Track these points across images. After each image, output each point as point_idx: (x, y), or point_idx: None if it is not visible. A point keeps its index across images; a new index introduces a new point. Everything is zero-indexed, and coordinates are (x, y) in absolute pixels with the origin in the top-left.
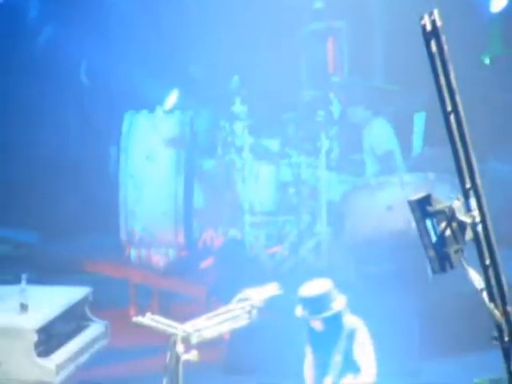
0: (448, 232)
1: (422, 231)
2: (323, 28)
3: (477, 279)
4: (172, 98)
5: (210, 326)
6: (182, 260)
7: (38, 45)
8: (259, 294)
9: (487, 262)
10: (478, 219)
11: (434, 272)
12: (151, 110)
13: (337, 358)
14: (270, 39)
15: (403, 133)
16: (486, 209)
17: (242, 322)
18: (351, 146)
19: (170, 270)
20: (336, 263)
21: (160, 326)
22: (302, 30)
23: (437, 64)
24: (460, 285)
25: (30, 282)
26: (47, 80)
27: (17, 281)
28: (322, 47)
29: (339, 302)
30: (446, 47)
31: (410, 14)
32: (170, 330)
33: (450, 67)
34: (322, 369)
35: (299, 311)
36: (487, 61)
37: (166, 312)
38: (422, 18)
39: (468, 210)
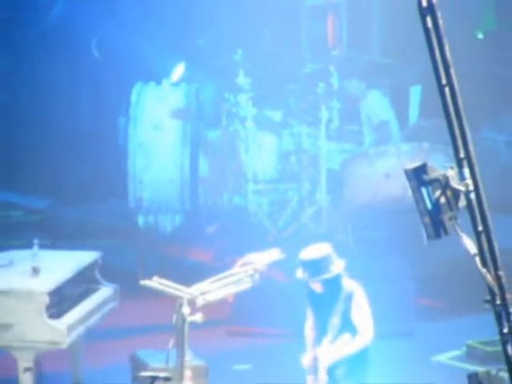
0: (442, 199)
1: (418, 199)
2: (323, 3)
3: (470, 245)
4: (179, 71)
5: (214, 289)
6: (188, 226)
7: (50, 20)
8: (262, 259)
9: (480, 228)
10: (471, 187)
11: (428, 238)
12: (159, 82)
13: (335, 320)
14: (273, 14)
15: (400, 105)
16: (478, 177)
17: (246, 285)
18: (350, 116)
19: (177, 236)
20: (335, 228)
21: (167, 289)
22: (302, 5)
23: (432, 39)
24: (454, 250)
25: (41, 246)
26: (60, 54)
27: (29, 246)
28: (322, 22)
29: (338, 266)
30: (441, 22)
31: None
32: (177, 293)
33: (445, 42)
34: (321, 329)
35: (300, 274)
36: (481, 36)
37: (172, 277)
38: None
39: (462, 178)
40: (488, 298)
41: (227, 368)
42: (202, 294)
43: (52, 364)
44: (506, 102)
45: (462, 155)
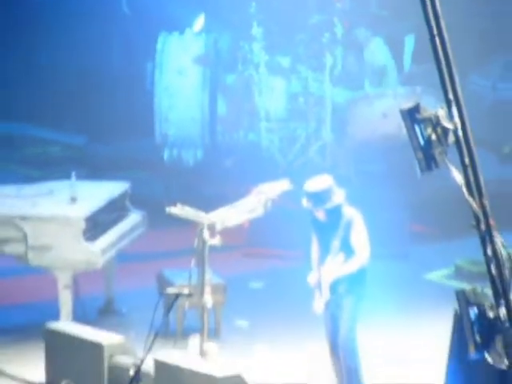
0: (433, 136)
1: (412, 135)
2: None
3: (458, 176)
4: (199, 22)
5: (231, 215)
6: (208, 159)
7: None
8: (273, 189)
9: (467, 161)
10: (458, 125)
11: (421, 171)
12: (182, 32)
13: (336, 243)
14: None
15: (396, 52)
16: (465, 117)
17: (259, 212)
18: (353, 62)
19: (198, 168)
20: (338, 162)
21: (189, 216)
22: None
23: None
24: (444, 182)
25: (78, 178)
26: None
27: (67, 177)
28: None
29: (339, 196)
30: None
31: None
32: (198, 219)
33: None
34: (324, 252)
35: (305, 203)
36: None
37: (194, 205)
38: None
39: (450, 117)
40: (473, 223)
41: (243, 286)
42: (221, 219)
43: (88, 284)
44: (490, 51)
45: (451, 97)
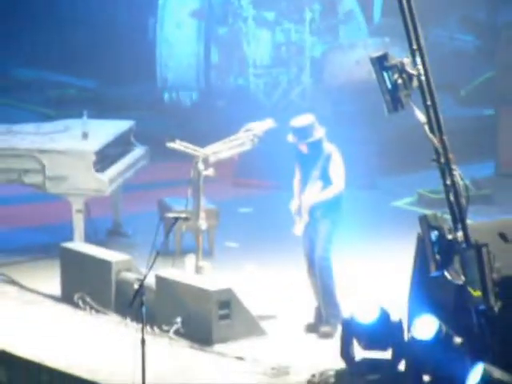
0: (400, 81)
1: (380, 80)
2: None
3: (420, 116)
4: None
5: (223, 149)
6: (203, 101)
7: None
8: (260, 127)
9: (428, 103)
10: (421, 71)
11: (389, 111)
12: None
13: (316, 173)
14: None
15: (366, 6)
16: (427, 64)
17: (247, 147)
18: (329, 16)
19: (194, 108)
20: (316, 104)
21: (186, 150)
22: None
23: None
24: (408, 120)
25: (89, 117)
26: None
27: (79, 116)
28: None
29: (320, 132)
30: None
31: None
32: (194, 153)
33: None
34: (305, 181)
35: (291, 138)
36: None
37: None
38: None
39: (414, 64)
40: (434, 157)
41: (233, 211)
42: (214, 153)
43: (98, 209)
44: (448, 6)
45: (414, 47)
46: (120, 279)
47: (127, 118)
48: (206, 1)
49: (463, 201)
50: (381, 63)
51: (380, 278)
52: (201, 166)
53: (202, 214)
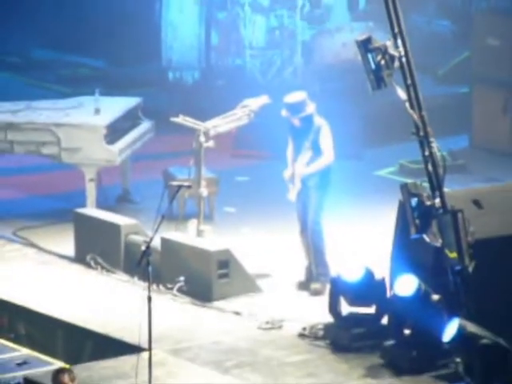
0: (382, 62)
1: (365, 61)
2: None
3: (401, 93)
4: None
5: (222, 123)
6: (204, 79)
7: None
8: (255, 103)
9: (409, 82)
10: (402, 53)
11: (373, 89)
12: None
13: (307, 144)
14: None
15: None
16: (408, 46)
17: (244, 121)
18: (317, 2)
19: (196, 86)
20: (307, 82)
21: (189, 124)
22: None
23: None
24: (390, 97)
25: (101, 94)
26: None
27: (92, 93)
28: None
29: (311, 107)
30: None
31: None
32: (196, 126)
33: None
34: (297, 152)
35: (284, 112)
36: None
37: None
38: None
39: (396, 47)
40: (414, 130)
41: (231, 179)
42: (214, 127)
43: (108, 178)
44: None
45: (396, 31)
46: (128, 241)
47: (135, 95)
48: None
49: (440, 170)
50: (365, 45)
51: (365, 241)
52: (202, 138)
53: (203, 182)
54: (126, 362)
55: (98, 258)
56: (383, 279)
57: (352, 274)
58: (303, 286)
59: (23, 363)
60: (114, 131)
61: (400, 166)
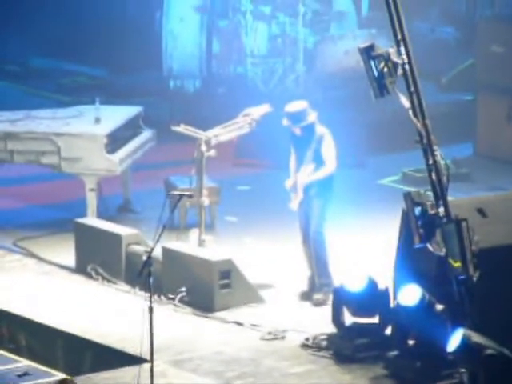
0: (385, 69)
1: (368, 68)
2: None
3: (405, 101)
4: None
5: (224, 132)
6: (205, 88)
7: None
8: (257, 111)
9: (412, 89)
10: (405, 60)
11: (375, 97)
12: None
13: (309, 154)
14: None
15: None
16: (411, 53)
17: (245, 130)
18: (321, 10)
19: (197, 95)
20: (309, 90)
21: (190, 133)
22: None
23: None
24: (394, 105)
25: (101, 103)
26: None
27: (92, 102)
28: None
29: (312, 116)
30: None
31: None
32: (197, 135)
33: None
34: (299, 161)
35: (285, 122)
36: None
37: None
38: None
39: (399, 54)
40: (418, 139)
41: (233, 188)
42: (215, 136)
43: (109, 187)
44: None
45: (399, 38)
46: (129, 251)
47: (136, 104)
48: None
49: (444, 179)
50: (368, 53)
51: (368, 250)
52: (203, 147)
53: (205, 192)
54: (127, 373)
55: (99, 268)
56: (387, 289)
57: (355, 284)
58: (306, 296)
59: (24, 374)
60: (115, 140)
61: (403, 174)
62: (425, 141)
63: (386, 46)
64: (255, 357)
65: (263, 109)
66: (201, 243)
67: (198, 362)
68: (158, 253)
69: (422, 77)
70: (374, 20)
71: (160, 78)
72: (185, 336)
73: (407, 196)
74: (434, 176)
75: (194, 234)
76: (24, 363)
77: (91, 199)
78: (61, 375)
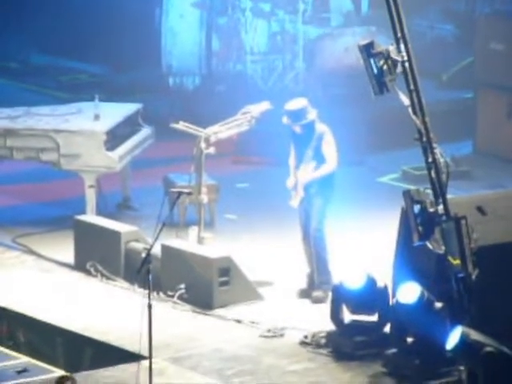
0: (385, 67)
1: (367, 66)
2: None
3: (404, 99)
4: None
5: (223, 130)
6: (204, 85)
7: None
8: (257, 109)
9: (411, 87)
10: (405, 58)
11: (375, 94)
12: None
13: (309, 152)
14: None
15: None
16: (410, 51)
17: (245, 127)
18: (320, 7)
19: (197, 92)
20: (309, 87)
21: (189, 130)
22: None
23: None
24: (393, 103)
25: (100, 100)
26: None
27: (91, 99)
28: None
29: (312, 114)
30: None
31: None
32: (196, 133)
33: None
34: (299, 159)
35: (285, 120)
36: None
37: (193, 121)
38: None
39: (399, 51)
40: (417, 136)
41: (232, 186)
42: (215, 133)
43: (108, 184)
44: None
45: (399, 35)
46: (128, 248)
47: (135, 101)
48: None
49: (443, 177)
50: (368, 50)
51: (367, 248)
52: (202, 144)
53: (204, 189)
54: (126, 370)
55: (98, 265)
56: (386, 287)
57: (354, 282)
58: (305, 293)
59: (23, 371)
60: (114, 137)
61: (403, 172)
62: (424, 138)
63: (385, 44)
64: (254, 354)
65: (263, 106)
66: (200, 240)
67: (197, 359)
68: (157, 250)
69: (422, 74)
70: (374, 18)
71: (159, 76)
72: (184, 333)
73: (406, 194)
74: (433, 174)
75: (193, 231)
76: (23, 360)
77: (90, 196)
78: (60, 372)
